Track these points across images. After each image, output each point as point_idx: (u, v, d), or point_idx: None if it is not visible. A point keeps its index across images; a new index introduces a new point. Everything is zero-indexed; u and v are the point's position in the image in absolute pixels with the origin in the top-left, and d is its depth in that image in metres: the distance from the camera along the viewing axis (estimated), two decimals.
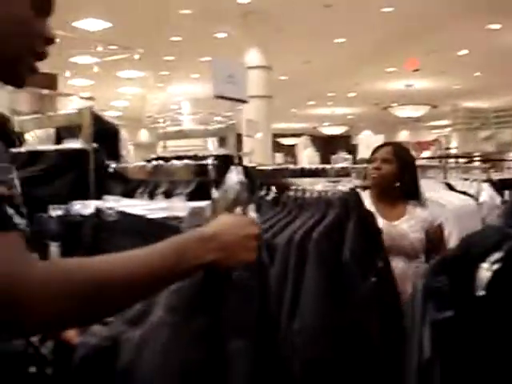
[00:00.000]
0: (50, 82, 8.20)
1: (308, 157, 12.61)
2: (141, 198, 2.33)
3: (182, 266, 1.13)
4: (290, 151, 19.18)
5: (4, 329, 1.02)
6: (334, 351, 2.09)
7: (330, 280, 2.10)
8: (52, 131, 3.17)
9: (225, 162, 2.26)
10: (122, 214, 1.82)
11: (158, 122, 15.64)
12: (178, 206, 1.82)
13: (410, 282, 2.92)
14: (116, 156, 2.96)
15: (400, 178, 3.34)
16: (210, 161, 2.23)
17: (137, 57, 13.38)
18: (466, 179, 5.89)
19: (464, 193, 5.10)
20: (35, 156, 2.75)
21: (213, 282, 1.29)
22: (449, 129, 24.98)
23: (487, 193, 5.31)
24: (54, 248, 1.90)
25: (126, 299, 1.09)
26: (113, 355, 1.37)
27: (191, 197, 2.17)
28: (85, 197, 2.32)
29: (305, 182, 3.11)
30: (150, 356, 1.31)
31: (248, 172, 2.43)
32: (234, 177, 1.49)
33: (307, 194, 2.38)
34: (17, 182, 1.05)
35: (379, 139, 6.49)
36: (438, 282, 1.20)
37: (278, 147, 21.01)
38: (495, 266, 1.17)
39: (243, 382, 1.34)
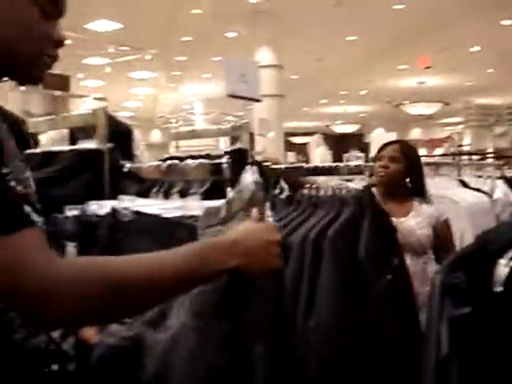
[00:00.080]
0: (63, 83, 8.22)
1: (320, 155, 12.63)
2: (156, 197, 2.33)
3: (204, 270, 1.13)
4: (302, 150, 19.18)
5: (26, 319, 1.05)
6: (349, 349, 2.09)
7: (346, 278, 2.10)
8: (66, 132, 3.19)
9: (239, 158, 2.27)
10: (138, 213, 1.83)
11: (171, 122, 15.69)
12: (193, 205, 1.82)
13: (418, 277, 2.94)
14: (130, 156, 2.96)
15: (407, 176, 3.36)
16: (224, 159, 2.23)
17: (148, 57, 13.43)
18: (480, 176, 5.86)
19: (478, 190, 5.08)
20: (50, 157, 2.76)
21: (236, 286, 1.29)
22: (461, 126, 24.86)
23: (501, 190, 5.28)
24: (70, 248, 1.91)
25: (146, 301, 1.10)
26: (131, 356, 1.38)
27: (206, 196, 2.17)
28: (100, 197, 2.32)
29: (318, 181, 3.12)
30: (177, 361, 1.31)
31: (262, 170, 2.43)
32: (249, 176, 1.49)
33: (321, 192, 2.38)
34: (32, 181, 1.06)
35: (392, 137, 6.48)
36: (456, 279, 1.19)
37: (289, 146, 21.01)
38: None
39: None
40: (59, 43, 1.15)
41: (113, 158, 2.67)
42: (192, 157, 2.70)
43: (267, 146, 10.83)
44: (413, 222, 3.23)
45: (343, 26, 13.64)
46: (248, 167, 1.55)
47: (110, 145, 2.69)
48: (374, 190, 3.35)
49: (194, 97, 20.21)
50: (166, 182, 2.39)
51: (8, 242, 0.92)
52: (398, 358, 2.19)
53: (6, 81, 1.15)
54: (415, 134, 29.86)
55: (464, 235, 3.93)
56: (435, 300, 1.23)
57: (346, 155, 13.24)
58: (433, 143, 24.60)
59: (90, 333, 1.48)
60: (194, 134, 3.66)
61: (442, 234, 3.30)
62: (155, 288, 1.07)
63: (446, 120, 27.25)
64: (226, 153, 2.47)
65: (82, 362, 1.37)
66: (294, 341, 1.60)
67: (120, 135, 2.91)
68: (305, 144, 18.18)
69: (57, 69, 1.34)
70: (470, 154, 9.36)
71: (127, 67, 15.21)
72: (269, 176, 2.96)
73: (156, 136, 25.22)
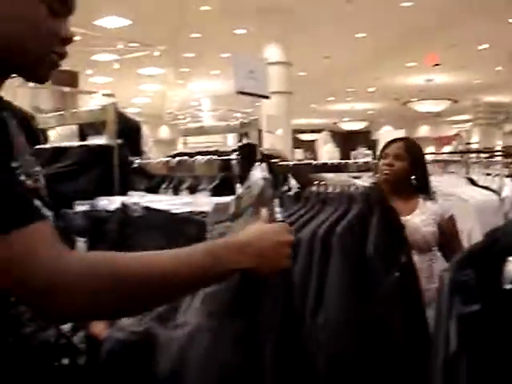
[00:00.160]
0: (72, 79, 8.26)
1: (328, 152, 12.60)
2: (165, 193, 2.34)
3: (217, 269, 1.13)
4: (309, 147, 19.14)
5: (34, 312, 1.05)
6: (357, 346, 2.09)
7: (354, 274, 2.10)
8: (75, 128, 3.20)
9: (248, 154, 2.27)
10: (148, 209, 1.84)
11: (179, 119, 15.70)
12: (203, 201, 1.83)
13: (424, 274, 2.95)
14: (138, 152, 2.97)
15: (412, 174, 3.37)
16: (233, 156, 2.23)
17: (157, 54, 13.43)
18: (488, 174, 5.85)
19: (486, 188, 5.07)
20: (59, 153, 2.78)
21: (249, 286, 1.29)
22: (470, 124, 24.78)
23: (510, 188, 5.27)
24: (80, 243, 1.92)
25: (156, 297, 1.10)
26: (141, 350, 1.38)
27: (215, 192, 2.18)
28: (109, 192, 2.33)
29: (327, 177, 3.12)
30: (193, 359, 1.31)
31: (271, 167, 2.43)
32: (258, 173, 1.49)
33: (330, 189, 2.38)
34: (41, 176, 1.07)
35: (399, 134, 6.45)
36: (465, 276, 1.19)
37: (297, 143, 20.99)
38: None
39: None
40: (67, 40, 1.15)
41: (122, 153, 2.68)
42: (200, 153, 2.70)
43: (275, 143, 10.83)
44: (418, 220, 3.24)
45: (352, 24, 13.61)
46: (257, 164, 1.55)
47: (119, 141, 2.70)
48: None
49: (201, 93, 20.21)
50: (175, 178, 2.40)
51: (17, 236, 0.93)
52: (405, 355, 2.19)
53: (14, 77, 1.16)
54: (423, 131, 29.81)
55: (472, 233, 3.92)
56: (444, 297, 1.23)
57: (353, 152, 13.23)
58: (441, 141, 24.52)
59: (99, 327, 1.49)
60: (202, 131, 3.67)
61: (447, 230, 3.31)
62: (167, 285, 1.07)
63: (454, 118, 27.17)
64: (235, 149, 2.48)
65: (92, 355, 1.38)
66: (302, 337, 1.60)
67: (129, 131, 2.92)
68: (313, 141, 18.15)
69: (66, 65, 1.35)
70: (478, 151, 9.31)
71: (136, 63, 15.21)
72: (277, 173, 2.96)
73: (164, 132, 25.26)
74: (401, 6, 12.51)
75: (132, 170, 2.60)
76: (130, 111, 16.38)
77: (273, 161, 2.92)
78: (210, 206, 1.63)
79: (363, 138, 27.01)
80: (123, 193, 2.30)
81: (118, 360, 1.42)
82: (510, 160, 6.78)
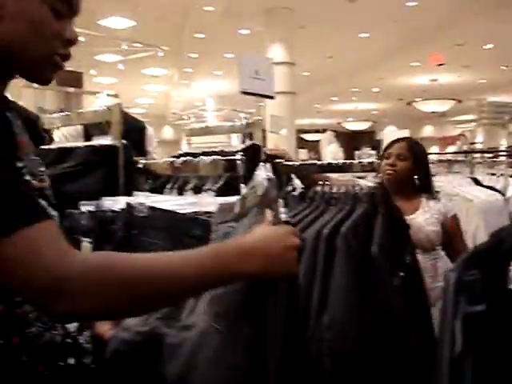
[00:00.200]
0: (76, 80, 8.26)
1: (332, 152, 12.58)
2: (170, 193, 2.34)
3: (223, 273, 1.13)
4: (313, 147, 19.13)
5: (39, 312, 1.06)
6: (362, 346, 2.09)
7: (359, 274, 2.09)
8: (81, 128, 3.21)
9: (253, 155, 2.27)
10: (153, 209, 1.84)
11: (183, 119, 15.71)
12: (208, 202, 1.84)
13: (428, 273, 2.95)
14: (143, 152, 2.98)
15: (415, 173, 3.37)
16: (238, 156, 2.23)
17: (161, 54, 13.44)
18: (493, 174, 5.84)
19: (491, 188, 5.06)
20: (65, 153, 2.78)
21: (256, 289, 1.28)
22: (474, 123, 24.72)
23: None
24: (85, 243, 1.92)
25: (162, 299, 1.10)
26: (146, 350, 1.38)
27: (220, 192, 2.18)
28: (115, 193, 2.34)
29: (332, 177, 3.11)
30: (202, 362, 1.30)
31: (275, 167, 2.44)
32: (263, 173, 1.49)
33: (334, 189, 2.38)
34: (46, 176, 1.07)
35: (404, 134, 6.43)
36: (470, 276, 1.19)
37: (301, 143, 20.98)
38: None
39: None
40: (71, 42, 1.15)
41: (127, 154, 2.68)
42: (205, 153, 2.70)
43: (279, 143, 10.82)
44: (421, 219, 3.24)
45: (356, 23, 13.60)
46: (261, 164, 1.55)
47: (124, 141, 2.70)
48: None
49: (205, 93, 20.22)
50: (180, 179, 2.40)
51: (22, 236, 0.93)
52: (410, 355, 2.19)
53: (19, 77, 1.16)
54: (427, 131, 29.75)
55: (477, 233, 3.92)
56: (449, 297, 1.22)
57: (357, 152, 13.20)
58: (445, 141, 24.48)
59: (104, 327, 1.49)
60: (207, 131, 3.68)
61: (450, 229, 3.31)
62: (172, 286, 1.07)
63: (458, 117, 27.12)
64: (240, 150, 2.48)
65: (98, 355, 1.38)
66: (307, 338, 1.60)
67: (134, 131, 2.93)
68: (317, 141, 18.13)
69: (70, 65, 1.35)
70: (482, 151, 9.29)
71: (140, 64, 15.23)
72: (282, 173, 2.96)
73: (168, 132, 25.27)
74: (405, 6, 12.49)
75: (137, 170, 2.60)
76: (134, 111, 16.39)
77: (277, 161, 2.91)
78: (215, 206, 1.63)
79: (367, 138, 26.98)
80: (128, 193, 2.30)
81: (124, 360, 1.42)
82: None
